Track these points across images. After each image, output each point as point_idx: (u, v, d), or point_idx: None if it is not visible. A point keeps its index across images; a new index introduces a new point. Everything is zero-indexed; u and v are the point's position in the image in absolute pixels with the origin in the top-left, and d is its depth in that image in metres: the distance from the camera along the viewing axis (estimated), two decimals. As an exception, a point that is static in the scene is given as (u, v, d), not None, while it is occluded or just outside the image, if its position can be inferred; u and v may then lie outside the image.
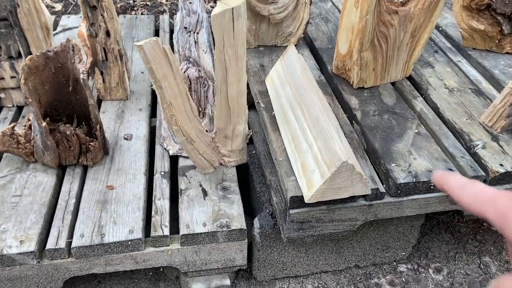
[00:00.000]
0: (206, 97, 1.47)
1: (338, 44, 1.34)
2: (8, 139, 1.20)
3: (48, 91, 1.14)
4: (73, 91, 1.16)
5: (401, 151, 1.15)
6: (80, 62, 1.08)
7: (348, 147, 1.07)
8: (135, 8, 2.41)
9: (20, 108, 1.47)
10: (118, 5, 2.44)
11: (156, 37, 0.95)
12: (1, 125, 1.40)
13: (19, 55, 1.39)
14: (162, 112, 1.11)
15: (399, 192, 1.08)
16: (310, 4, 1.46)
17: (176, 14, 2.44)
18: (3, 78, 1.40)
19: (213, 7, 2.37)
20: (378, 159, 1.14)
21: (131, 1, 2.47)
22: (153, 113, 1.54)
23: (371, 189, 1.05)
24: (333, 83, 1.41)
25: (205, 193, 1.22)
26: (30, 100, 1.05)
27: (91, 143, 1.22)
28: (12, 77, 1.41)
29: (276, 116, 1.26)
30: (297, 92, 1.20)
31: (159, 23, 2.10)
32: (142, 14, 2.36)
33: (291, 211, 1.04)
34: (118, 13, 2.34)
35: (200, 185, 1.25)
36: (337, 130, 1.07)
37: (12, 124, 1.21)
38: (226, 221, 1.14)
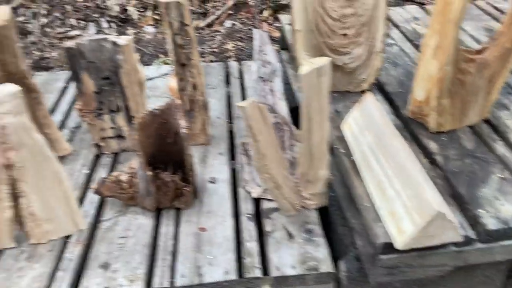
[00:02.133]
0: (283, 141, 1.57)
1: (414, 91, 1.40)
2: (114, 186, 1.34)
3: (152, 143, 1.28)
4: (172, 143, 1.29)
5: (487, 197, 1.17)
6: (181, 118, 1.21)
7: (438, 194, 1.10)
8: (204, 55, 2.60)
9: (115, 155, 1.64)
10: (188, 53, 2.64)
11: (255, 98, 1.06)
12: (102, 169, 1.56)
13: (118, 109, 1.56)
14: (255, 162, 1.21)
15: (489, 238, 1.09)
16: (382, 53, 1.54)
17: (241, 59, 2.61)
18: (104, 129, 1.57)
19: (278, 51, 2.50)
20: (465, 204, 1.16)
21: (199, 49, 2.67)
22: (231, 157, 1.65)
23: (461, 235, 1.07)
24: (408, 127, 1.46)
25: (290, 235, 1.29)
26: (139, 152, 1.19)
27: (185, 188, 1.33)
28: (111, 128, 1.58)
29: (357, 162, 1.32)
30: (378, 139, 1.26)
31: (228, 69, 2.25)
32: (211, 61, 2.55)
33: (382, 257, 1.08)
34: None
35: (285, 228, 1.32)
36: (424, 177, 1.11)
37: (117, 172, 1.36)
38: (314, 264, 1.19)
